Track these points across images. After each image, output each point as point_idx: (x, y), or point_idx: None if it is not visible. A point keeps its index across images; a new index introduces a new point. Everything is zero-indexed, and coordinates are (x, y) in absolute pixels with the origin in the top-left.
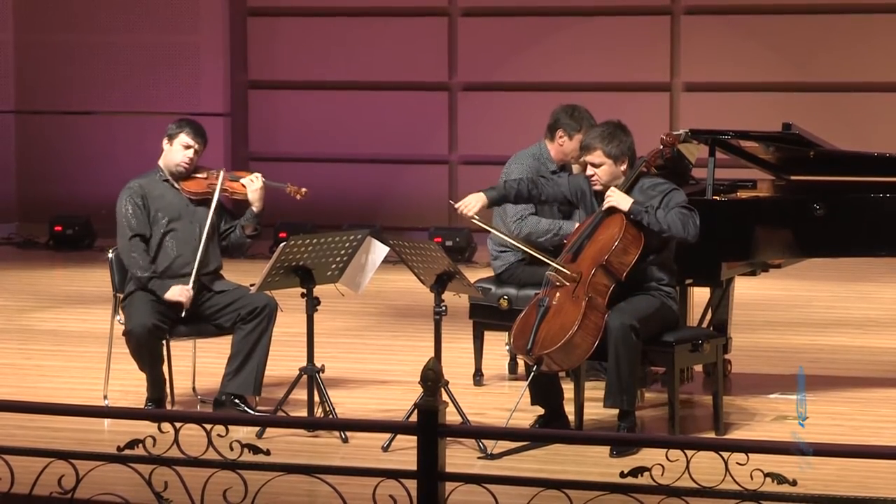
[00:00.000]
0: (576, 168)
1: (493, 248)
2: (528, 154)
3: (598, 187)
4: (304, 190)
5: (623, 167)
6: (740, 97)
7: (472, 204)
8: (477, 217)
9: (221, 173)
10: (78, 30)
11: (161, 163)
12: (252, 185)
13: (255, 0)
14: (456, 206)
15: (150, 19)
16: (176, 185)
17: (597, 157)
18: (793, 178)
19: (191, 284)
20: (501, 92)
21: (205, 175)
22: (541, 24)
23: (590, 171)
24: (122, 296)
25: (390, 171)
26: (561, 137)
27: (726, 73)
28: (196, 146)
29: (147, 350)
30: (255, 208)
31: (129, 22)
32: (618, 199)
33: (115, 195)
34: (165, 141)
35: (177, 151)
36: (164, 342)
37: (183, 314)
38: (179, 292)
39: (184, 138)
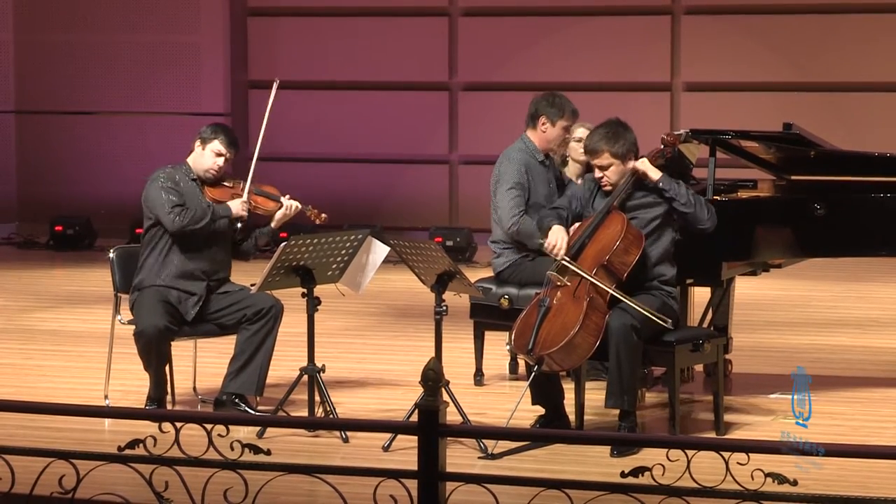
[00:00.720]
0: (572, 168)
1: (494, 247)
2: (516, 149)
3: (608, 188)
4: (324, 215)
5: (630, 164)
6: (740, 97)
7: (560, 243)
8: (567, 258)
9: (248, 186)
10: (78, 30)
11: (190, 161)
12: (284, 209)
13: (255, 0)
14: (547, 250)
15: (150, 19)
16: (201, 187)
17: (604, 159)
18: (793, 178)
19: (245, 196)
20: (501, 92)
21: (231, 184)
22: (541, 24)
23: (598, 173)
24: (128, 295)
25: (390, 171)
26: (543, 125)
27: (727, 73)
28: (227, 155)
29: (156, 351)
30: (274, 225)
31: (129, 22)
32: (648, 169)
33: (115, 195)
34: (198, 143)
35: (208, 157)
36: (171, 343)
37: (239, 225)
38: (241, 206)
39: (216, 145)
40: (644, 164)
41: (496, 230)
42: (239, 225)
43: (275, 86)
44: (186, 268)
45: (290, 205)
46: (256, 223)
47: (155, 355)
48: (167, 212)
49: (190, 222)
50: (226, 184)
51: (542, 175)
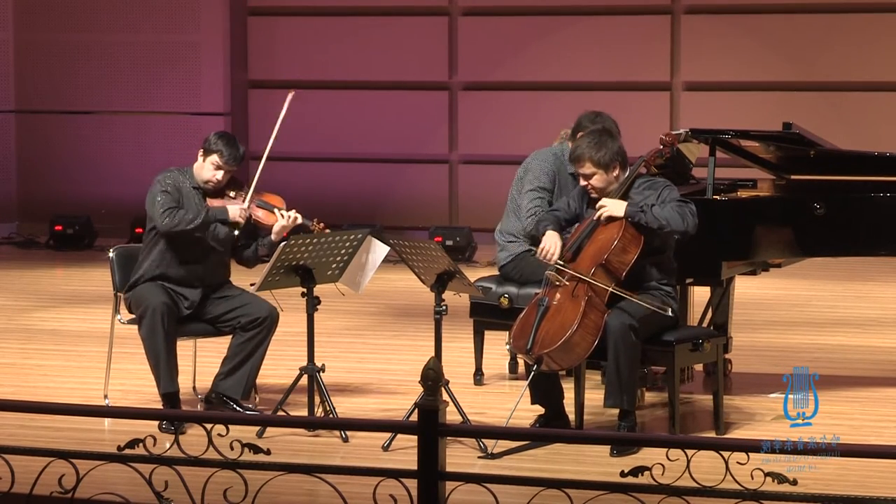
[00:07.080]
0: None
1: (499, 239)
2: (550, 152)
3: (595, 195)
4: (321, 224)
5: (615, 173)
6: (740, 97)
7: (553, 248)
8: (561, 262)
9: (248, 199)
10: (78, 30)
11: (194, 168)
12: (283, 221)
13: (255, 0)
14: (540, 255)
15: (150, 19)
16: (202, 196)
17: (587, 168)
18: (793, 177)
19: (247, 204)
20: (501, 92)
21: (234, 195)
22: (541, 24)
23: (583, 181)
24: (123, 293)
25: (390, 171)
26: None
27: (726, 73)
28: (227, 168)
29: (163, 329)
30: (274, 237)
31: (129, 22)
32: (611, 208)
33: (115, 194)
34: (200, 152)
35: (207, 168)
36: (175, 327)
37: (236, 232)
38: (240, 212)
39: (215, 158)
40: (604, 205)
41: (507, 221)
42: (236, 232)
43: (289, 97)
44: (181, 274)
45: (288, 216)
46: (259, 232)
47: (162, 335)
48: (160, 213)
49: (181, 223)
50: (230, 194)
51: (571, 187)
